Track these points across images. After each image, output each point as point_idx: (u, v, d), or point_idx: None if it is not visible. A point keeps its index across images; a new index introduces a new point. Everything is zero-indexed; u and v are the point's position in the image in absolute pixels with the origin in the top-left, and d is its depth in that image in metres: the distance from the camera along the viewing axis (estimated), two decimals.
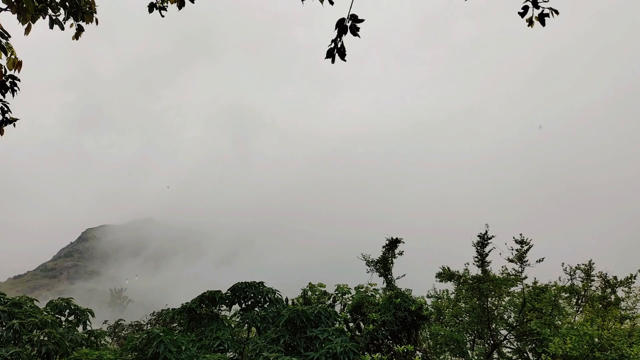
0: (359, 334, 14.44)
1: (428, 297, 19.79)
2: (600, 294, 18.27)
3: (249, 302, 16.93)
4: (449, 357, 16.83)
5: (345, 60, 7.68)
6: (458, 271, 18.85)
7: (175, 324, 23.10)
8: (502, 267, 18.35)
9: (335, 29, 7.47)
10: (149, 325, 26.56)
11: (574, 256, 20.35)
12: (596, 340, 14.03)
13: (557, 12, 7.61)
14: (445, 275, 18.92)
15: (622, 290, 18.54)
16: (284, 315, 15.08)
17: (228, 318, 17.00)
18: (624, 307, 18.13)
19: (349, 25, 7.51)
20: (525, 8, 7.84)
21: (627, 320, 16.33)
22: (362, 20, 7.55)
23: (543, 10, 7.64)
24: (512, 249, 18.15)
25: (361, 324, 14.68)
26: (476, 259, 18.17)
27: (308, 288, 16.82)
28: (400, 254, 19.42)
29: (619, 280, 18.58)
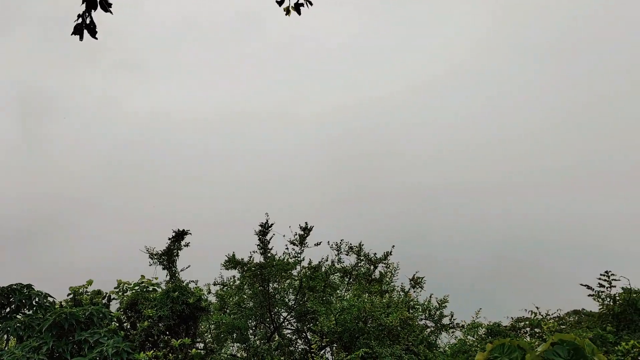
0: (134, 332, 13.72)
1: (214, 284, 19.79)
2: (364, 271, 20.37)
3: (12, 308, 15.10)
4: (231, 344, 17.10)
5: (96, 38, 7.00)
6: (243, 259, 19.19)
7: None
8: (285, 252, 19.19)
9: (83, 2, 6.78)
10: None
11: (351, 240, 22.08)
12: (359, 314, 15.61)
13: (311, 4, 8.06)
14: (231, 263, 19.12)
15: (382, 265, 20.99)
16: (48, 320, 13.61)
17: None
18: (386, 282, 20.57)
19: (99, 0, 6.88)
20: None
21: (387, 294, 18.52)
22: None
23: (298, 1, 8.07)
24: (295, 234, 19.10)
25: (137, 322, 14.00)
26: (259, 246, 18.70)
27: (78, 288, 15.41)
28: (187, 245, 19.01)
29: (378, 257, 20.96)
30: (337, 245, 20.49)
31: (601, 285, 16.47)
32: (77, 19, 6.86)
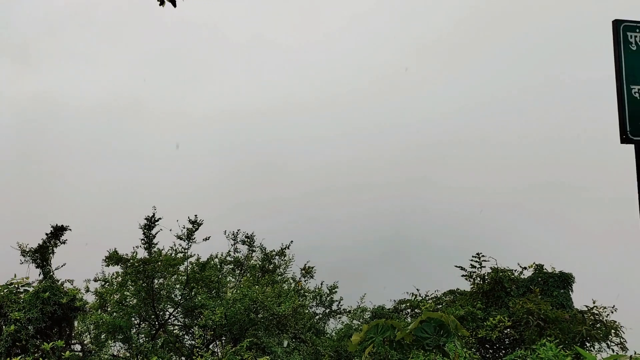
0: None
1: (95, 280, 18.69)
2: (260, 263, 20.37)
3: None
4: (111, 344, 16.27)
5: None
6: (128, 254, 18.31)
7: None
8: (171, 247, 18.56)
9: None
10: None
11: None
12: (250, 304, 15.55)
13: None
14: (114, 259, 18.15)
15: (278, 258, 21.12)
16: None
17: None
18: (279, 273, 20.71)
19: None
20: None
21: (277, 285, 18.65)
22: None
23: None
24: (184, 228, 18.51)
25: (2, 326, 12.83)
26: (143, 241, 17.95)
27: None
28: (64, 242, 17.73)
29: (276, 252, 21.04)
30: (233, 234, 20.27)
31: (473, 266, 17.90)
32: None
